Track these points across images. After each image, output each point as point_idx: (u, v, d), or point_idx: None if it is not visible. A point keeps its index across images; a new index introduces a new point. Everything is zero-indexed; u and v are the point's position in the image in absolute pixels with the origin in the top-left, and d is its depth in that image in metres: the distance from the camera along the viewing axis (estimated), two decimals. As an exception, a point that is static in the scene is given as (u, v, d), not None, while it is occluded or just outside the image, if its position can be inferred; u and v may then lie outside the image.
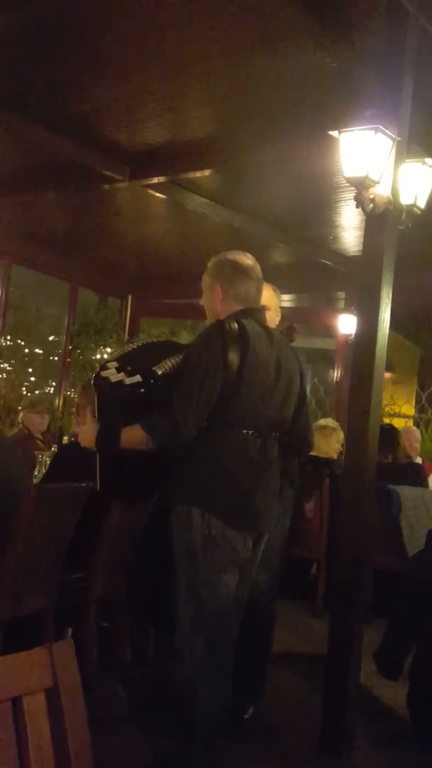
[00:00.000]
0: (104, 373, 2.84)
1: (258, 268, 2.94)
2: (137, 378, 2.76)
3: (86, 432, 2.87)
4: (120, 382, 2.78)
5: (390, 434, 6.32)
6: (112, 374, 2.82)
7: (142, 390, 2.75)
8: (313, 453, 4.42)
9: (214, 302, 2.91)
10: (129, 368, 2.80)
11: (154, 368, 2.76)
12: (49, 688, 1.29)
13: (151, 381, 2.74)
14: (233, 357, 2.69)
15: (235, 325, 2.75)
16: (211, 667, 2.73)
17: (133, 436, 2.69)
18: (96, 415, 2.87)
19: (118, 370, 2.82)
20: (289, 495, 3.76)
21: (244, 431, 2.76)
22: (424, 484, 6.19)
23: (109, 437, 2.74)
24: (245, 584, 2.88)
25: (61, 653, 1.32)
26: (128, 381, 2.76)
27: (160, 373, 2.75)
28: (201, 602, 2.72)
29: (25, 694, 1.26)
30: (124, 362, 2.86)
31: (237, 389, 2.70)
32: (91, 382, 2.96)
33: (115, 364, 2.86)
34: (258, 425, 2.79)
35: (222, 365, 2.67)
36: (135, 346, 3.08)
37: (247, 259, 2.93)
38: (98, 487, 2.97)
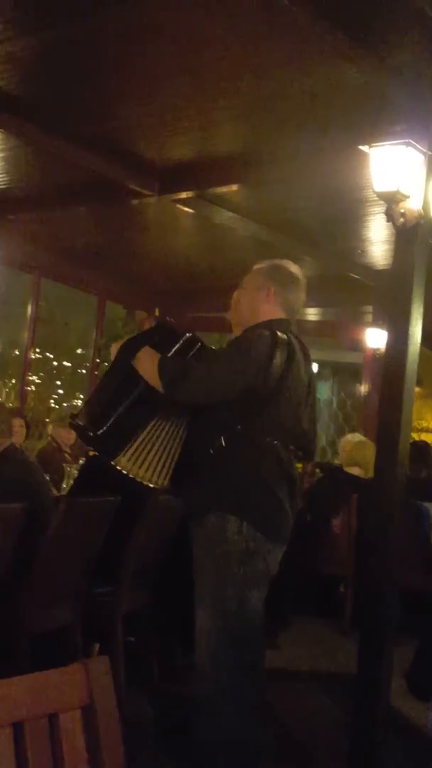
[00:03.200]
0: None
1: (304, 281, 2.97)
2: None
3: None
4: (179, 333, 2.93)
5: (422, 450, 6.27)
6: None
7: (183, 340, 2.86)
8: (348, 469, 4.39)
9: (259, 302, 2.88)
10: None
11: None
12: (85, 705, 1.29)
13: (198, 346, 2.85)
14: (277, 364, 2.68)
15: (283, 336, 2.75)
16: (240, 690, 2.62)
17: (148, 359, 2.71)
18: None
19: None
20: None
21: (275, 442, 2.73)
22: None
23: (131, 343, 2.82)
24: (263, 597, 2.79)
25: (97, 670, 1.32)
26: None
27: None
28: (229, 618, 2.63)
29: (62, 710, 1.26)
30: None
31: (275, 398, 2.69)
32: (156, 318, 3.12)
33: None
34: (285, 438, 2.76)
35: (262, 369, 2.65)
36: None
37: (299, 271, 2.96)
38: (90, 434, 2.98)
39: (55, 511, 3.48)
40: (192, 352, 2.84)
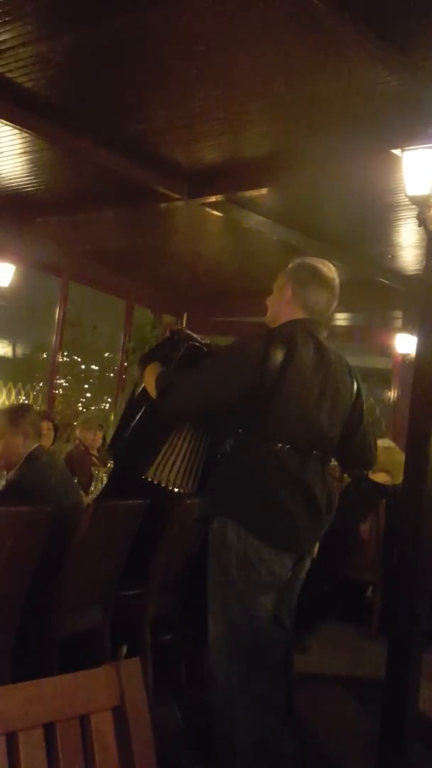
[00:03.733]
0: (183, 329, 3.10)
1: (337, 282, 2.84)
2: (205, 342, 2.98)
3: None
4: (189, 335, 3.00)
5: None
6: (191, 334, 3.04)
7: (192, 349, 2.91)
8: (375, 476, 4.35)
9: (280, 302, 2.82)
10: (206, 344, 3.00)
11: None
12: (115, 706, 1.29)
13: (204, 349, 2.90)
14: (274, 362, 2.60)
15: (283, 332, 2.69)
16: (252, 696, 2.58)
17: (152, 372, 2.80)
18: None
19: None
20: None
21: (279, 445, 2.64)
22: None
23: (145, 359, 2.93)
24: (286, 606, 2.74)
25: (128, 672, 1.31)
26: (196, 340, 2.96)
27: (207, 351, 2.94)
28: (235, 625, 2.60)
29: (93, 712, 1.25)
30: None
31: (274, 398, 2.60)
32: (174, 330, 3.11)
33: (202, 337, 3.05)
34: (295, 440, 2.66)
35: (259, 367, 2.59)
36: None
37: (330, 271, 2.84)
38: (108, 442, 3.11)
39: (82, 514, 3.49)
40: (196, 359, 2.85)
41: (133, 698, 1.31)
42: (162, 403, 2.72)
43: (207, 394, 2.67)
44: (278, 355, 2.61)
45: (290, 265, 2.88)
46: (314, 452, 2.72)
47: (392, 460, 5.87)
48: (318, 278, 2.80)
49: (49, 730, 1.19)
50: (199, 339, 3.01)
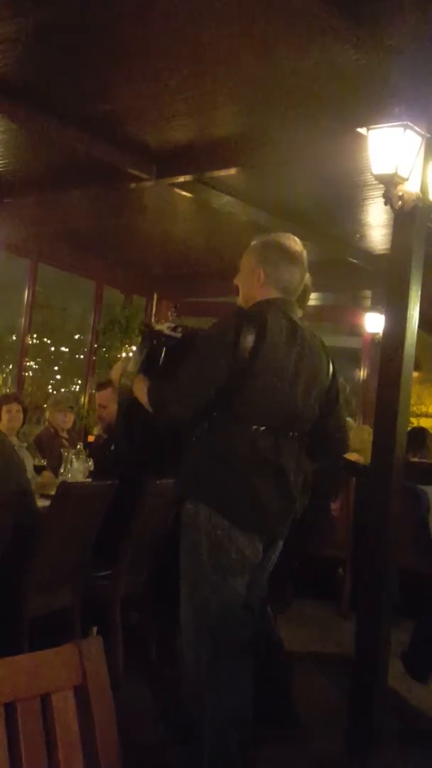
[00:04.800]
0: (152, 323, 3.03)
1: (305, 254, 2.81)
2: (178, 334, 2.92)
3: (116, 368, 3.03)
4: (160, 331, 2.94)
5: (419, 435, 6.30)
6: (159, 326, 3.01)
7: (173, 343, 2.88)
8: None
9: (253, 286, 2.78)
10: (178, 329, 2.95)
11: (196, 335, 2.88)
12: (77, 685, 1.29)
13: (192, 343, 2.82)
14: (245, 345, 2.58)
15: (254, 312, 2.67)
16: (221, 678, 2.59)
17: (140, 389, 2.77)
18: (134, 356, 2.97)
19: (168, 329, 2.97)
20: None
21: (254, 427, 2.63)
22: None
23: (128, 375, 2.88)
24: (257, 590, 2.75)
25: (90, 650, 1.32)
26: (167, 332, 2.92)
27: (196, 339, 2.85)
28: (205, 607, 2.60)
29: (54, 691, 1.26)
30: (175, 327, 2.99)
31: (246, 379, 2.59)
32: (141, 328, 3.13)
33: (168, 324, 3.00)
34: (270, 422, 2.66)
35: (231, 352, 2.58)
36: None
37: (296, 245, 2.80)
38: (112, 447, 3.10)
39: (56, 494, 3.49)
40: (176, 353, 2.84)
41: (95, 677, 1.31)
42: (160, 417, 2.73)
43: (196, 393, 2.65)
44: (249, 337, 2.59)
45: (255, 244, 2.83)
46: (290, 433, 2.72)
47: (362, 439, 5.92)
48: (288, 255, 2.78)
49: (9, 709, 1.19)
50: (167, 327, 2.96)
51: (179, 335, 2.91)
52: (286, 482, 2.72)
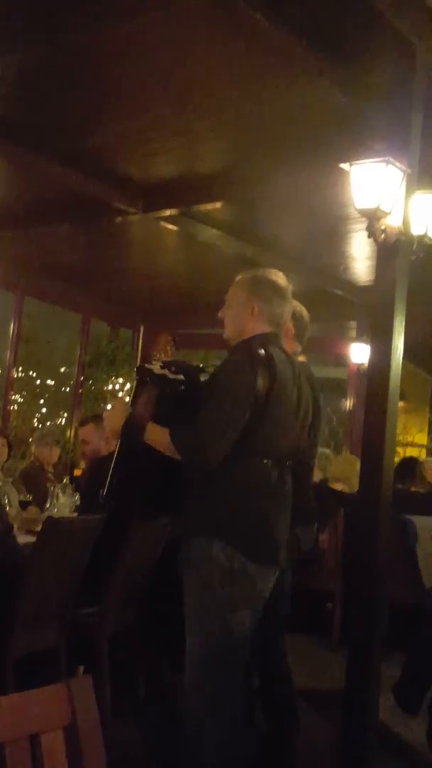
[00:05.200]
0: (149, 366, 2.87)
1: (290, 289, 2.87)
2: (181, 377, 2.78)
3: (113, 416, 2.85)
4: (164, 376, 2.80)
5: (409, 464, 6.34)
6: (157, 368, 2.84)
7: (182, 388, 2.75)
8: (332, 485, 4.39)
9: (245, 320, 2.80)
10: (173, 368, 2.83)
11: (198, 374, 2.80)
12: (67, 725, 1.28)
13: (192, 383, 2.75)
14: (261, 385, 2.62)
15: (263, 352, 2.68)
16: (221, 713, 2.60)
17: (158, 436, 2.66)
18: (130, 401, 2.85)
19: (162, 368, 2.84)
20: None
21: (265, 461, 2.68)
22: None
23: (137, 426, 2.72)
24: (256, 621, 2.73)
25: (80, 689, 1.31)
26: (172, 376, 2.78)
27: (202, 379, 2.77)
28: (213, 642, 2.60)
29: (44, 731, 1.24)
30: (167, 364, 2.87)
31: (262, 418, 2.63)
32: (135, 369, 3.00)
33: (159, 363, 2.88)
34: (275, 453, 2.71)
35: (252, 394, 2.61)
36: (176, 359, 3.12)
37: (284, 280, 2.85)
38: (104, 490, 2.93)
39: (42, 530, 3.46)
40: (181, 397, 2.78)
41: (85, 716, 1.30)
42: (195, 462, 2.63)
43: (229, 434, 2.60)
44: (264, 377, 2.64)
45: (243, 278, 2.86)
46: (288, 463, 2.78)
47: (343, 469, 5.95)
48: (279, 291, 2.82)
49: (-2, 751, 1.18)
50: (159, 366, 2.88)
51: (181, 377, 2.81)
52: (290, 513, 2.79)
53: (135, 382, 2.94)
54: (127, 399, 2.92)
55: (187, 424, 2.63)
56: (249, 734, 2.81)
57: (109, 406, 3.06)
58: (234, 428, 2.60)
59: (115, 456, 2.87)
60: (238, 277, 2.88)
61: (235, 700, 2.67)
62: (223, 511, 2.66)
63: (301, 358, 3.44)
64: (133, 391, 2.91)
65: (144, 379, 2.85)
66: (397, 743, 3.98)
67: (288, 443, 2.76)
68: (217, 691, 2.61)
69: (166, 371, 2.81)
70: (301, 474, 3.00)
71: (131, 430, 2.74)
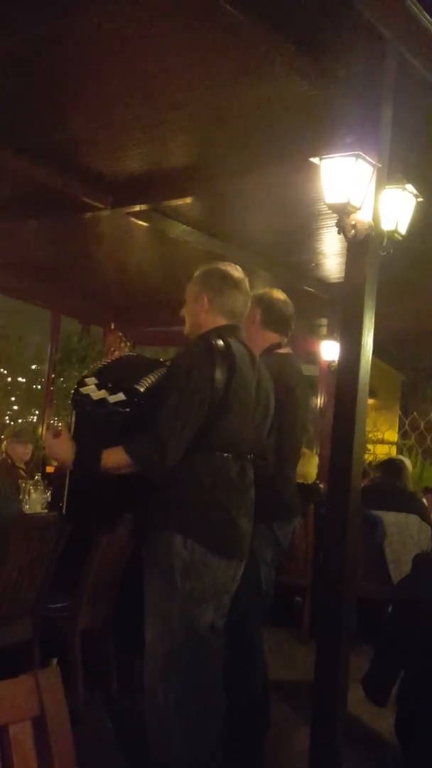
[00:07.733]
0: (84, 390, 2.71)
1: (247, 282, 2.88)
2: (121, 396, 2.64)
3: (62, 449, 2.70)
4: (103, 400, 2.66)
5: (395, 463, 6.46)
6: (93, 390, 2.70)
7: (126, 409, 2.63)
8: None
9: (198, 312, 2.83)
10: (110, 385, 2.68)
11: (136, 386, 2.63)
12: (35, 716, 1.27)
13: (135, 399, 2.62)
14: (220, 377, 2.61)
15: (221, 344, 2.67)
16: (192, 710, 2.57)
17: (115, 458, 2.56)
18: (72, 432, 2.71)
19: (98, 386, 2.70)
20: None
21: (225, 454, 2.67)
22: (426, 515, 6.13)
23: (90, 457, 2.60)
24: (223, 615, 2.74)
25: (48, 681, 1.30)
26: (112, 399, 2.65)
27: (142, 390, 2.64)
28: (176, 636, 2.58)
29: (12, 722, 1.24)
30: (103, 377, 2.74)
31: (221, 411, 2.63)
32: (70, 399, 2.90)
33: (94, 380, 2.74)
34: (237, 448, 2.71)
35: (209, 387, 2.60)
36: (112, 360, 2.98)
37: (237, 272, 2.87)
38: (64, 511, 2.86)
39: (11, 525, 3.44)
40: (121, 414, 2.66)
41: (53, 708, 1.29)
42: (157, 467, 2.56)
43: (188, 430, 2.56)
44: (222, 371, 2.62)
45: (197, 274, 2.89)
46: (248, 457, 2.78)
47: (304, 464, 6.01)
48: (230, 282, 2.83)
49: (-35, 743, 1.17)
50: (94, 386, 2.71)
51: (121, 396, 2.64)
52: (252, 505, 2.78)
53: (74, 411, 2.80)
54: (70, 430, 2.75)
55: (138, 432, 2.56)
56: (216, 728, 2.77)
57: (48, 437, 2.78)
58: (193, 422, 2.57)
59: (67, 483, 2.78)
60: (194, 274, 2.91)
61: (210, 701, 2.64)
62: (184, 505, 2.64)
63: (285, 350, 3.45)
64: (73, 421, 2.78)
65: (84, 409, 2.73)
66: (365, 734, 4.01)
67: (248, 436, 2.75)
68: (188, 693, 2.58)
69: (104, 393, 2.67)
70: (263, 467, 2.95)
71: (85, 462, 2.64)
